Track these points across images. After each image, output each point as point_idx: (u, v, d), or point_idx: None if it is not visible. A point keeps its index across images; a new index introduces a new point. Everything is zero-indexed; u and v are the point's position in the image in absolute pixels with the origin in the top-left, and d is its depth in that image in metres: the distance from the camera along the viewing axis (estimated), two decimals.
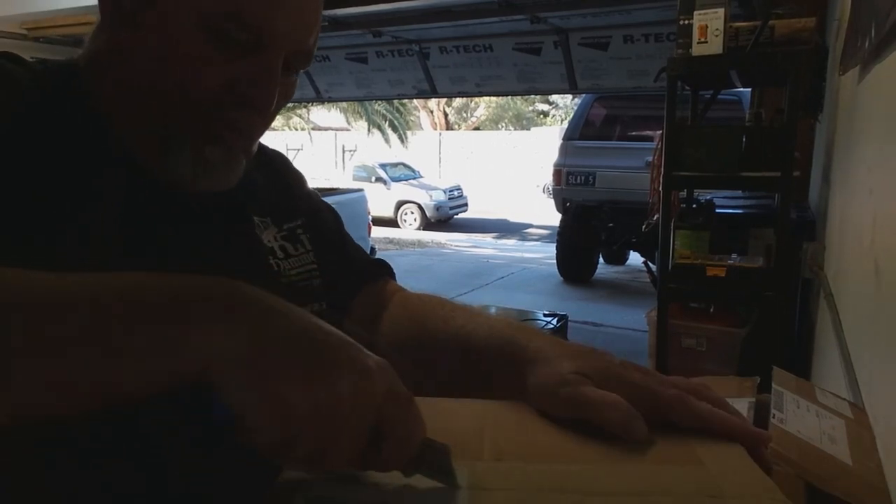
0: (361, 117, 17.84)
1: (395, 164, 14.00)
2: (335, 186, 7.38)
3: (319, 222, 0.78)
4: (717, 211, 2.77)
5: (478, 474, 0.42)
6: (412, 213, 12.72)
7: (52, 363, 0.34)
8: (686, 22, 2.23)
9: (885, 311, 0.87)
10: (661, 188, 2.49)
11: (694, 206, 2.79)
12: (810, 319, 2.45)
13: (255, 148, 0.63)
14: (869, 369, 0.96)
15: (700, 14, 2.18)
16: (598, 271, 7.39)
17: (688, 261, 2.43)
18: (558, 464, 0.43)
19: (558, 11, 4.82)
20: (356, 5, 4.61)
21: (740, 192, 3.21)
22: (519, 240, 11.32)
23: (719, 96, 3.00)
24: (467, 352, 0.64)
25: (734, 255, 2.46)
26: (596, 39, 5.37)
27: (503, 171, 17.80)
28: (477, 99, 21.12)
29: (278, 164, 0.78)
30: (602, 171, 6.49)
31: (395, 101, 16.75)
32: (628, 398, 0.48)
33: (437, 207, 12.65)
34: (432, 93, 6.54)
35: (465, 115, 23.97)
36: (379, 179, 12.87)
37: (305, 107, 17.83)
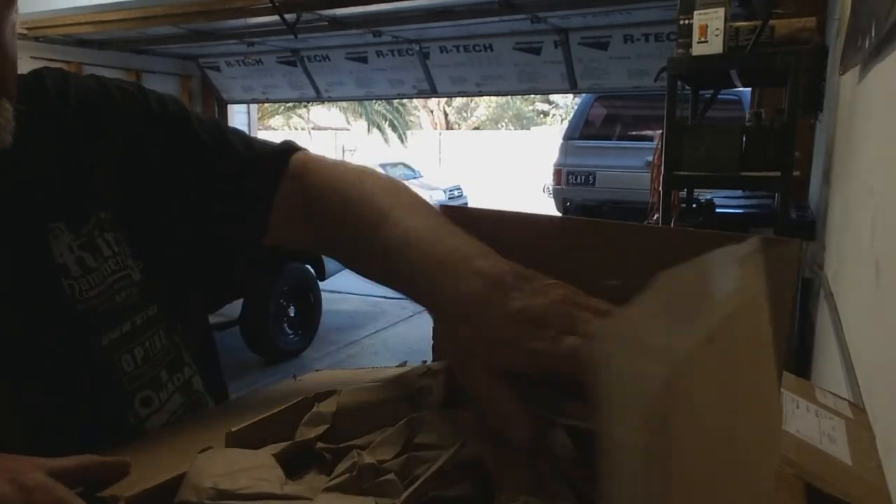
0: (361, 117, 17.85)
1: (395, 164, 14.01)
2: None
3: (178, 153, 0.65)
4: (717, 211, 2.77)
5: None
6: None
7: None
8: (686, 21, 2.23)
9: (885, 312, 0.87)
10: (661, 188, 2.49)
11: (694, 205, 2.79)
12: (810, 319, 2.45)
13: (10, 89, 0.53)
14: (869, 369, 0.96)
15: (700, 14, 2.18)
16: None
17: None
18: None
19: (558, 11, 4.83)
20: (356, 5, 4.61)
21: (740, 191, 3.21)
22: None
23: (719, 96, 3.00)
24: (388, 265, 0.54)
25: None
26: (596, 39, 5.37)
27: (503, 170, 17.81)
28: (477, 99, 21.13)
29: (89, 114, 0.63)
30: (602, 171, 6.50)
31: (395, 101, 16.75)
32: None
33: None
34: (432, 93, 6.55)
35: (465, 114, 23.97)
36: None
37: (305, 106, 17.84)
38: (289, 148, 0.69)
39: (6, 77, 0.52)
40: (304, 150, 0.70)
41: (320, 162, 0.68)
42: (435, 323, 0.49)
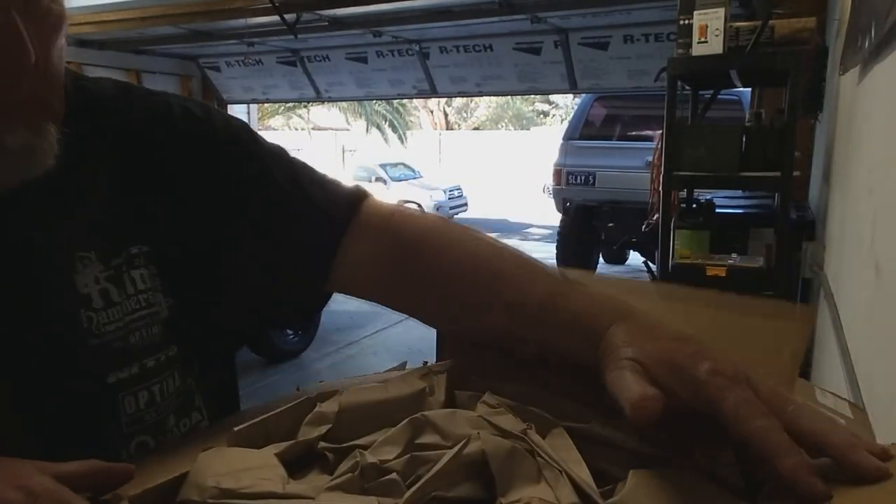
0: (361, 117, 17.85)
1: (396, 164, 14.01)
2: None
3: (242, 184, 0.63)
4: (717, 211, 2.77)
5: None
6: None
7: None
8: (686, 22, 2.23)
9: (885, 311, 0.87)
10: (661, 188, 2.49)
11: (694, 205, 2.79)
12: (810, 319, 2.45)
13: (57, 113, 0.51)
14: (869, 369, 0.96)
15: (700, 14, 2.18)
16: (598, 271, 7.40)
17: (688, 261, 2.44)
18: None
19: (558, 11, 4.83)
20: (356, 5, 4.61)
21: (740, 191, 3.21)
22: (519, 239, 11.31)
23: (719, 96, 3.00)
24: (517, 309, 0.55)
25: (734, 255, 2.46)
26: (596, 39, 5.38)
27: (503, 171, 17.81)
28: (477, 99, 21.13)
29: (145, 140, 0.60)
30: (602, 171, 6.49)
31: (395, 101, 16.76)
32: (678, 388, 0.42)
33: (438, 207, 12.65)
34: (432, 93, 6.55)
35: (465, 115, 23.97)
36: (379, 179, 12.88)
37: (305, 106, 17.84)
38: (360, 194, 0.67)
39: (53, 101, 0.51)
40: (373, 196, 0.68)
41: (408, 214, 0.66)
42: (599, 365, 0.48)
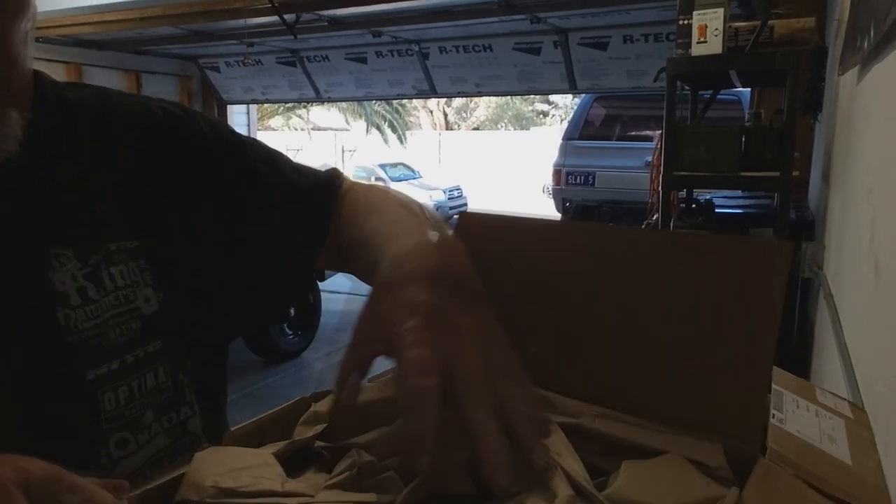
0: (360, 117, 17.85)
1: (395, 165, 14.01)
2: None
3: (232, 179, 0.65)
4: (717, 211, 2.77)
5: None
6: None
7: None
8: (685, 22, 2.23)
9: (884, 311, 0.87)
10: (660, 188, 2.49)
11: (693, 205, 2.79)
12: (810, 319, 2.45)
13: (18, 98, 0.52)
14: (869, 369, 0.96)
15: (699, 14, 2.18)
16: None
17: None
18: None
19: (558, 11, 4.83)
20: (356, 5, 4.61)
21: (740, 191, 3.21)
22: None
23: (719, 96, 3.00)
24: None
25: None
26: (595, 39, 5.38)
27: (503, 171, 17.81)
28: (477, 99, 21.14)
29: (125, 139, 0.61)
30: (602, 171, 6.50)
31: (395, 102, 16.76)
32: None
33: (437, 207, 12.65)
34: (432, 93, 6.55)
35: (465, 115, 23.97)
36: (378, 179, 12.88)
37: (305, 107, 17.84)
38: (336, 175, 0.71)
39: (13, 86, 0.51)
40: (345, 176, 0.72)
41: (353, 191, 0.70)
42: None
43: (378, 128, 17.91)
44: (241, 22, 5.19)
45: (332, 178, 0.70)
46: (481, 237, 0.56)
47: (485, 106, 23.38)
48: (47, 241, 0.55)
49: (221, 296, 0.64)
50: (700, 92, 2.94)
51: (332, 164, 0.77)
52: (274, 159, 0.69)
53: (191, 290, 0.62)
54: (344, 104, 17.02)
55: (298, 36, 5.22)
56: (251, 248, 0.66)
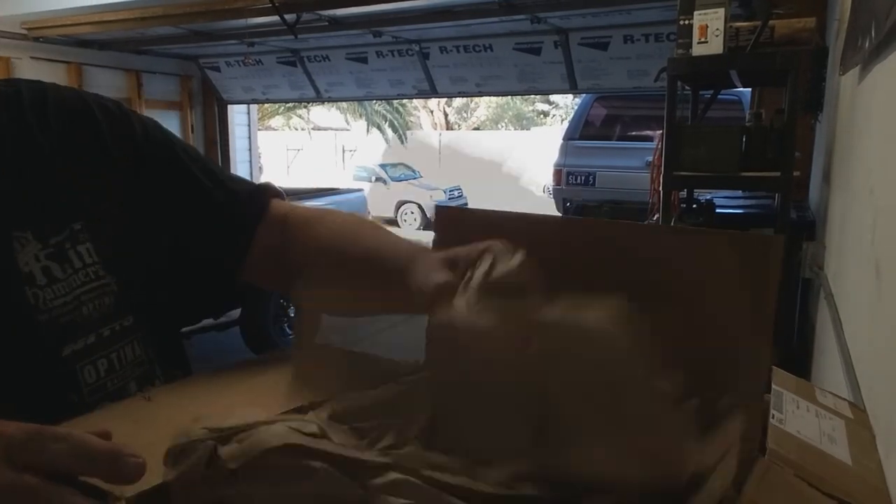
0: (361, 117, 17.83)
1: (395, 165, 14.00)
2: (335, 186, 7.42)
3: (164, 181, 0.67)
4: (717, 211, 2.77)
5: None
6: (412, 213, 12.72)
7: None
8: (686, 22, 2.23)
9: (885, 312, 0.87)
10: (661, 188, 2.49)
11: (694, 206, 2.79)
12: (810, 319, 2.45)
13: None
14: (869, 369, 0.96)
15: (700, 14, 2.18)
16: None
17: None
18: None
19: (558, 11, 4.82)
20: (356, 5, 4.61)
21: (740, 192, 3.21)
22: None
23: (719, 96, 3.00)
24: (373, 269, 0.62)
25: None
26: (596, 39, 5.37)
27: (503, 171, 17.80)
28: (477, 99, 21.12)
29: (66, 128, 0.63)
30: (602, 171, 6.50)
31: (395, 101, 16.75)
32: None
33: None
34: (432, 93, 6.54)
35: (465, 115, 23.96)
36: (379, 179, 12.88)
37: (305, 107, 17.83)
38: (268, 189, 0.73)
39: None
40: (282, 194, 0.74)
41: (300, 216, 0.71)
42: None
43: (378, 128, 17.88)
44: (241, 22, 5.18)
45: (263, 190, 0.72)
46: (458, 231, 0.56)
47: (485, 106, 23.35)
48: (8, 225, 0.57)
49: (161, 282, 0.67)
50: (701, 92, 2.93)
51: (268, 182, 0.83)
52: (203, 160, 0.71)
53: (136, 272, 0.64)
54: (344, 104, 16.99)
55: (299, 36, 5.22)
56: (180, 242, 0.68)
